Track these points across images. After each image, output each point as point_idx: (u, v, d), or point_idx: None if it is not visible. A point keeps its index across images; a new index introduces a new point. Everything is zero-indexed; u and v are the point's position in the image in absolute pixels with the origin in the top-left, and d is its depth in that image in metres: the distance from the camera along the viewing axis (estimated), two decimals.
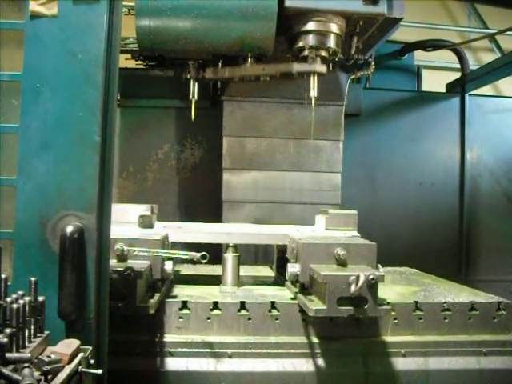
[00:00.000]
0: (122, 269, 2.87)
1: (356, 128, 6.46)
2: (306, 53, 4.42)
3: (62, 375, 1.93)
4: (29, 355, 1.85)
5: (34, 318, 2.10)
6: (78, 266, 2.25)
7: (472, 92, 7.19)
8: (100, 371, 2.20)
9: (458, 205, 7.01)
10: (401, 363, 3.27)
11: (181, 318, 3.26)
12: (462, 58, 7.37)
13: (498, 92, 9.22)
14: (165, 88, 6.09)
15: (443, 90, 7.59)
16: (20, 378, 1.71)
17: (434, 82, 7.99)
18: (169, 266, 3.32)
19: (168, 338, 3.21)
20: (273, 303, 3.31)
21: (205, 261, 3.09)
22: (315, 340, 3.28)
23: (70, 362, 2.04)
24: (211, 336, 3.23)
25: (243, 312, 3.29)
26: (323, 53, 4.43)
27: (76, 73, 2.33)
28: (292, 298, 3.43)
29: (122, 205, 3.87)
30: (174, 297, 3.37)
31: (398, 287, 3.98)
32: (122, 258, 3.12)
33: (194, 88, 4.75)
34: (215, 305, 3.29)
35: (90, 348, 2.26)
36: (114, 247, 3.05)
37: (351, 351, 3.27)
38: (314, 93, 4.49)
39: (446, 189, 6.99)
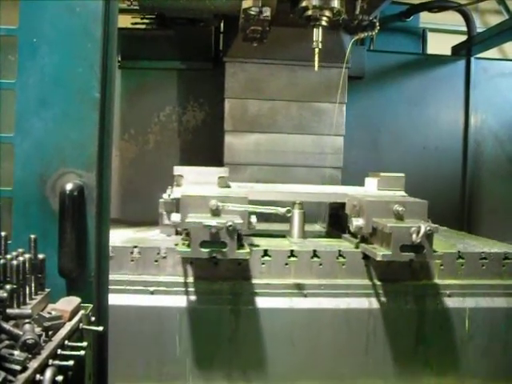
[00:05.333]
0: (224, 221, 3.28)
1: (359, 91, 6.38)
2: (309, 12, 4.33)
3: (63, 331, 1.93)
4: (29, 311, 1.85)
5: (34, 276, 2.10)
6: (78, 224, 2.24)
7: (478, 55, 7.07)
8: (101, 328, 2.21)
9: (461, 169, 6.97)
10: (447, 302, 3.87)
11: (263, 264, 3.77)
12: (468, 20, 7.22)
13: (504, 55, 9.10)
14: (166, 49, 6.00)
15: (448, 53, 7.47)
16: (21, 333, 1.71)
17: (440, 44, 7.86)
18: (254, 219, 3.64)
19: (254, 281, 3.75)
20: (339, 251, 3.85)
21: (289, 214, 3.60)
22: (376, 282, 3.83)
23: (70, 319, 2.05)
24: (289, 279, 3.77)
25: (315, 259, 3.82)
26: (327, 13, 4.33)
27: (74, 27, 2.27)
28: (355, 247, 3.96)
29: (199, 167, 4.29)
30: (257, 246, 3.85)
31: (437, 241, 4.23)
32: (216, 212, 3.47)
33: None
34: (291, 253, 3.80)
35: (91, 306, 2.27)
36: (209, 203, 3.43)
37: (405, 292, 3.84)
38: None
39: (449, 153, 6.92)
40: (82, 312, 2.16)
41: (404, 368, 3.83)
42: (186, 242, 3.52)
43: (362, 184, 4.80)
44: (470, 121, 6.97)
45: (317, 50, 4.39)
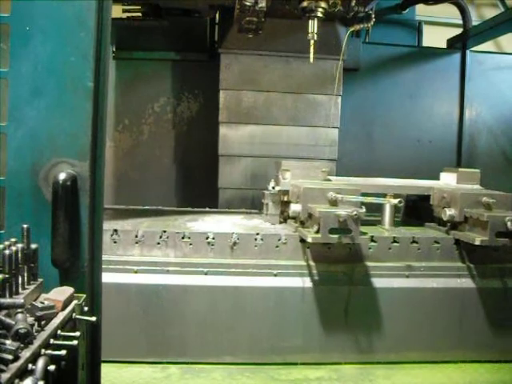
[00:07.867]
0: (350, 210, 3.72)
1: (354, 83, 6.37)
2: (305, 4, 4.32)
3: (56, 321, 1.92)
4: (22, 301, 1.84)
5: (27, 265, 2.08)
6: (71, 214, 2.23)
7: (473, 48, 7.07)
8: (94, 318, 2.20)
9: (455, 162, 6.97)
10: None
11: (370, 248, 4.25)
12: (464, 12, 7.21)
13: (500, 48, 9.08)
14: (161, 40, 5.98)
15: (444, 46, 7.45)
16: (13, 322, 1.71)
17: (435, 37, 7.84)
18: (363, 209, 3.94)
19: (363, 263, 4.23)
20: (434, 238, 4.36)
21: (401, 205, 4.28)
22: (468, 264, 4.33)
23: (63, 308, 2.04)
24: (392, 262, 4.26)
25: (414, 244, 4.32)
26: (323, 4, 4.33)
27: (67, 16, 2.24)
28: (445, 234, 4.45)
29: (304, 162, 4.73)
30: (365, 233, 4.28)
31: None
32: (334, 203, 3.93)
33: None
34: (394, 239, 4.29)
35: (84, 295, 2.26)
36: (327, 195, 3.93)
37: (492, 273, 4.33)
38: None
39: (443, 146, 6.94)
40: (75, 302, 2.15)
41: (493, 340, 4.28)
42: (312, 229, 3.90)
43: (354, 176, 4.97)
44: (464, 114, 6.98)
45: (312, 42, 4.40)
